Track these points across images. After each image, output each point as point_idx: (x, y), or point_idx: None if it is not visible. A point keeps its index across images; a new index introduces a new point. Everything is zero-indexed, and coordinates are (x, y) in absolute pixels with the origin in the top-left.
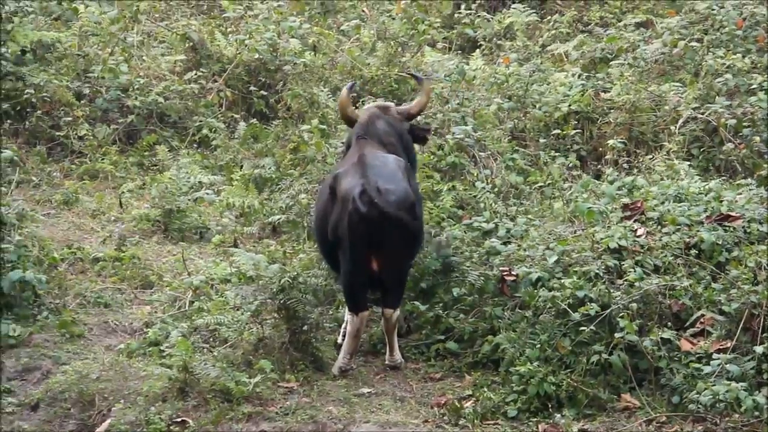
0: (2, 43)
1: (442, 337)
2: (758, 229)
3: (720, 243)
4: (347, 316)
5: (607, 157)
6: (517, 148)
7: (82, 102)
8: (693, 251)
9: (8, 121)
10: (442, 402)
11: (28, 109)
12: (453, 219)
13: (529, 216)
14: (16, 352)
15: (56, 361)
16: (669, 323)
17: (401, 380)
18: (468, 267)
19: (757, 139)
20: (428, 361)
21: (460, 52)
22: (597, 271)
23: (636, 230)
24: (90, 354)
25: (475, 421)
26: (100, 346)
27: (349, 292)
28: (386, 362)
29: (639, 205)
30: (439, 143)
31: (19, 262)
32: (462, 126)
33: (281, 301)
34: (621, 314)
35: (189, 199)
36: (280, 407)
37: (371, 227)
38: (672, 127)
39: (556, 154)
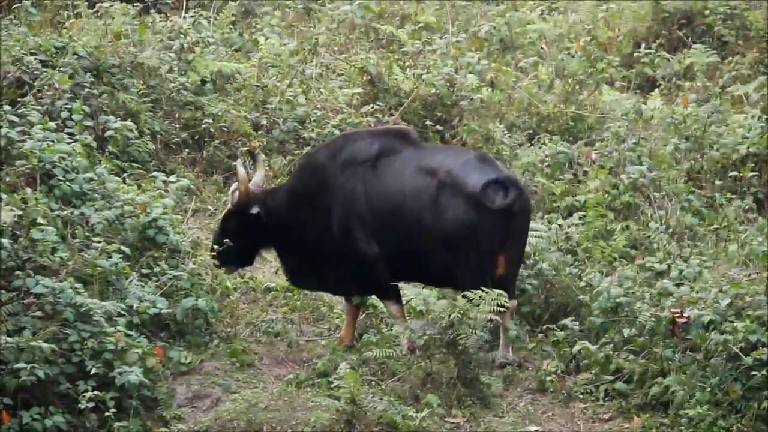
0: (183, 72)
1: (612, 378)
2: None
3: None
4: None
5: None
6: (693, 189)
7: (259, 132)
8: None
9: (186, 149)
10: None
11: (206, 139)
12: (626, 258)
13: (703, 258)
14: (187, 379)
15: (226, 389)
16: None
17: (569, 419)
18: (639, 307)
19: None
20: (596, 401)
21: (638, 91)
22: None
23: None
24: (259, 383)
25: None
26: (269, 376)
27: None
28: (499, 360)
29: None
30: (614, 182)
31: (192, 290)
32: (637, 165)
33: (450, 337)
34: None
35: None
36: None
37: (511, 222)
38: None
39: (733, 196)
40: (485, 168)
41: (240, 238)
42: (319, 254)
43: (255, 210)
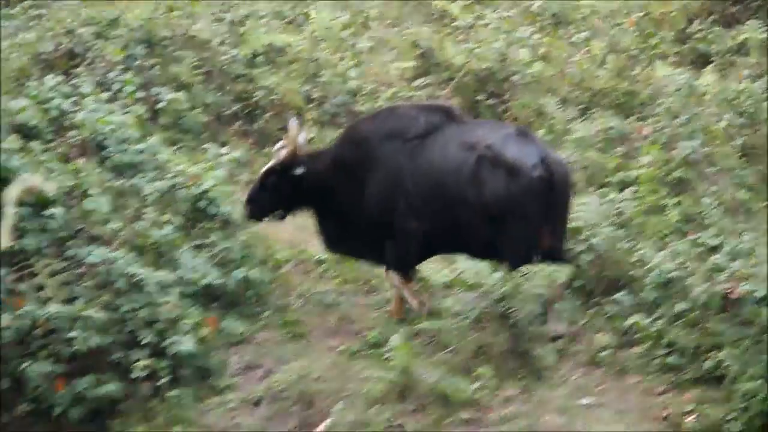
0: (235, 45)
1: (664, 352)
2: None
3: None
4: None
5: None
6: (746, 164)
7: (311, 106)
8: None
9: (238, 122)
10: (663, 416)
11: (257, 111)
12: (678, 233)
13: (756, 233)
14: (240, 349)
15: (278, 359)
16: None
17: (622, 392)
18: (692, 282)
19: None
20: (649, 375)
21: (691, 66)
22: None
23: None
24: (312, 354)
25: None
26: (321, 347)
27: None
28: (551, 333)
29: None
30: (667, 158)
31: (244, 261)
32: (690, 141)
33: (502, 309)
34: None
35: None
36: (499, 414)
37: (551, 194)
38: None
39: None
40: (524, 142)
41: (277, 196)
42: (355, 222)
43: (300, 170)
